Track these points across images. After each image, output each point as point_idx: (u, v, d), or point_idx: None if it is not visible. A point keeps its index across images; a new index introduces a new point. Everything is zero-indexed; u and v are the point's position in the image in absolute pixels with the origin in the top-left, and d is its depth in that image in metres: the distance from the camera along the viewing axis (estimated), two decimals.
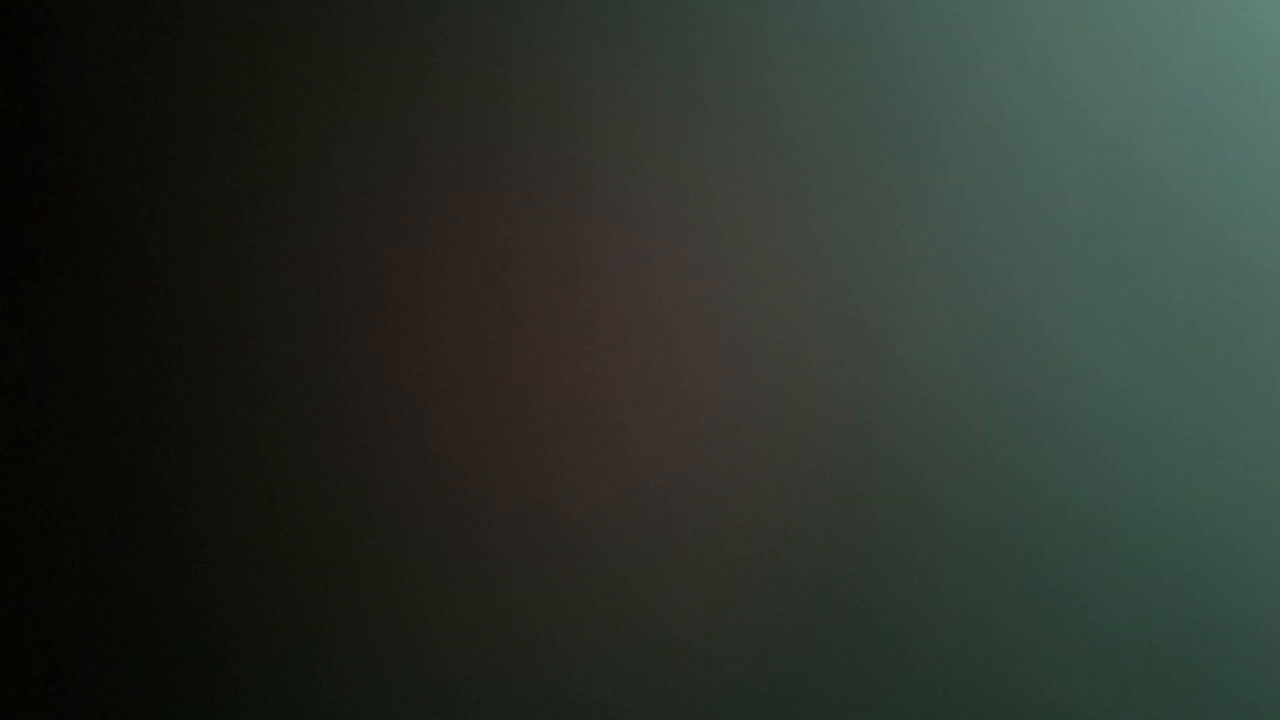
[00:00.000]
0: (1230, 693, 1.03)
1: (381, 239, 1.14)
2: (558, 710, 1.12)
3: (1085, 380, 1.05)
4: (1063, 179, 1.05)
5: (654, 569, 1.10)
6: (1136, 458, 1.04)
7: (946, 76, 1.07)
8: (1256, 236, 1.03)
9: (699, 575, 1.10)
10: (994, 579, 1.06)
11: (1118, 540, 1.05)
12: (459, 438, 1.13)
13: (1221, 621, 1.03)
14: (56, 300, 1.19)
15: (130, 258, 1.18)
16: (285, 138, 1.16)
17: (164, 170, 1.18)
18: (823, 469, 1.08)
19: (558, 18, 1.12)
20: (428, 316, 1.14)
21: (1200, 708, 1.04)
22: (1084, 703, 1.05)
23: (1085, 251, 1.05)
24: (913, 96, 1.07)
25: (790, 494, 1.09)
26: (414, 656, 1.13)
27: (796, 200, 1.09)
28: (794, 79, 1.09)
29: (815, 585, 1.08)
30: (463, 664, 1.13)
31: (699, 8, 1.10)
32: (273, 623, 1.15)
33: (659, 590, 1.10)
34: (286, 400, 1.15)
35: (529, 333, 1.12)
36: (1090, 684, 1.05)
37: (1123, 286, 1.05)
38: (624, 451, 1.11)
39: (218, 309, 1.17)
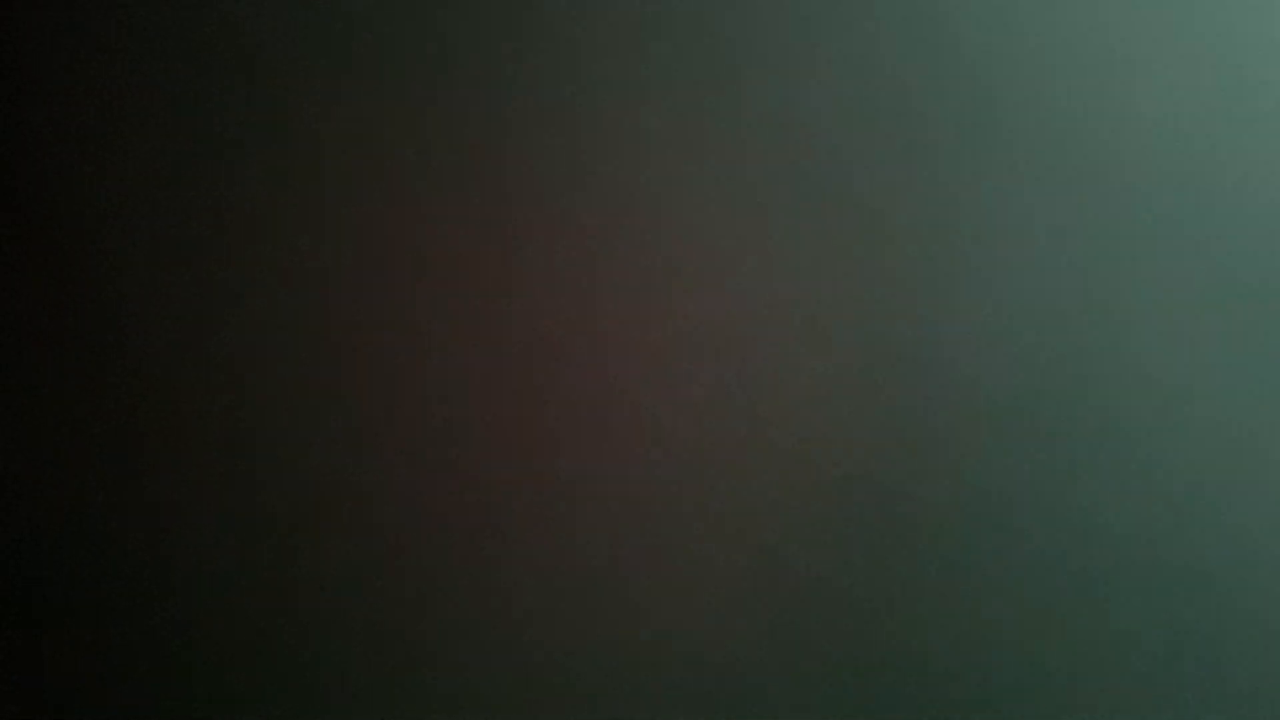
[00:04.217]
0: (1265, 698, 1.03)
1: (381, 237, 1.14)
2: (556, 713, 1.11)
3: (1127, 387, 1.05)
4: (1109, 176, 1.05)
5: (656, 572, 1.11)
6: (1182, 470, 1.04)
7: (982, 67, 1.07)
8: None
9: (701, 579, 1.10)
10: (1024, 591, 1.06)
11: (1157, 549, 1.05)
12: (459, 440, 1.13)
13: (1259, 627, 1.03)
14: (42, 307, 1.18)
15: (116, 261, 1.17)
16: (282, 126, 1.16)
17: (149, 173, 1.17)
18: (835, 474, 1.08)
19: (569, 16, 1.12)
20: (427, 316, 1.13)
21: None
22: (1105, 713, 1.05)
23: (1133, 252, 1.05)
24: (949, 89, 1.07)
25: (800, 499, 1.09)
26: (410, 659, 1.14)
27: (816, 197, 1.09)
28: (820, 72, 1.08)
29: (822, 593, 1.08)
30: (460, 667, 1.13)
31: (713, 9, 1.10)
32: (268, 624, 1.15)
33: (660, 594, 1.11)
34: (281, 402, 1.15)
35: (534, 334, 1.12)
36: (1112, 702, 1.05)
37: (1167, 288, 1.05)
38: (628, 455, 1.11)
39: (213, 307, 1.16)
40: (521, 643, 1.12)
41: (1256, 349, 1.03)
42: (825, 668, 1.08)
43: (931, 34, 1.07)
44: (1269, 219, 1.03)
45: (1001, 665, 1.06)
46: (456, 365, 1.13)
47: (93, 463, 1.18)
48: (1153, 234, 1.05)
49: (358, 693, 1.14)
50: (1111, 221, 1.05)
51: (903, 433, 1.07)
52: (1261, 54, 1.03)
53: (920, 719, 1.07)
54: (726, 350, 1.10)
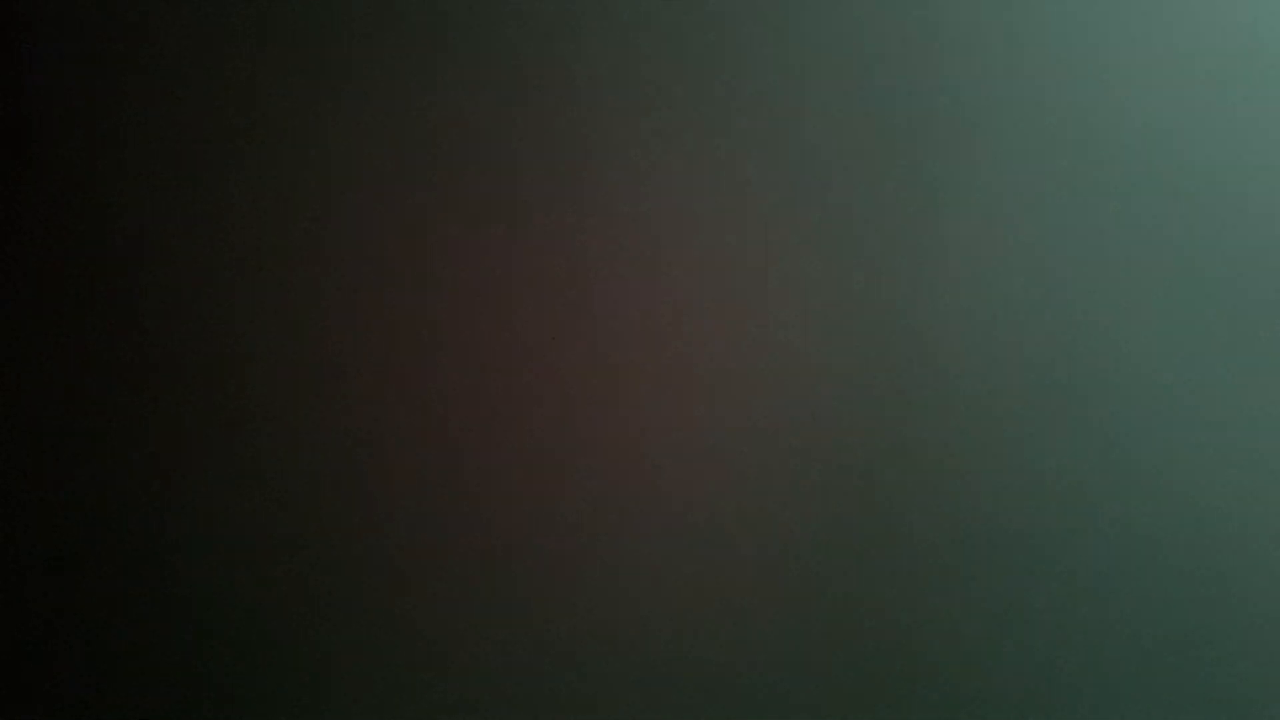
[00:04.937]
0: (1265, 699, 1.03)
1: (385, 239, 1.14)
2: (563, 713, 1.11)
3: (1123, 378, 1.04)
4: (1100, 170, 1.05)
5: (662, 574, 1.10)
6: (1177, 460, 1.04)
7: (977, 65, 1.06)
8: None
9: (708, 580, 1.10)
10: (1023, 584, 1.06)
11: (1153, 544, 1.04)
12: (465, 441, 1.13)
13: (1258, 625, 1.02)
14: (52, 300, 1.19)
15: (124, 257, 1.18)
16: (286, 135, 1.16)
17: (158, 169, 1.17)
18: (844, 472, 1.08)
19: (569, 13, 1.12)
20: (433, 317, 1.14)
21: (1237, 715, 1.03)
22: (1110, 711, 1.04)
23: (1123, 245, 1.05)
24: (944, 86, 1.07)
25: (808, 499, 1.08)
26: (416, 659, 1.14)
27: (819, 190, 1.09)
28: (816, 71, 1.08)
29: (833, 591, 1.08)
30: (467, 666, 1.13)
31: (710, 9, 1.10)
32: (273, 624, 1.15)
33: (667, 595, 1.10)
34: (286, 403, 1.15)
35: (538, 335, 1.12)
36: (1120, 693, 1.04)
37: (1162, 280, 1.04)
38: (635, 454, 1.10)
39: (218, 310, 1.16)
40: (522, 642, 1.12)
41: (1250, 347, 1.03)
42: (826, 668, 1.08)
43: (922, 34, 1.07)
44: (1259, 215, 1.03)
45: (1000, 665, 1.06)
46: (457, 366, 1.13)
47: (93, 462, 1.18)
48: (1145, 232, 1.04)
49: (358, 692, 1.14)
50: (1103, 221, 1.05)
51: (901, 431, 1.07)
52: (1253, 53, 1.03)
53: (919, 718, 1.07)
54: (725, 351, 1.10)
